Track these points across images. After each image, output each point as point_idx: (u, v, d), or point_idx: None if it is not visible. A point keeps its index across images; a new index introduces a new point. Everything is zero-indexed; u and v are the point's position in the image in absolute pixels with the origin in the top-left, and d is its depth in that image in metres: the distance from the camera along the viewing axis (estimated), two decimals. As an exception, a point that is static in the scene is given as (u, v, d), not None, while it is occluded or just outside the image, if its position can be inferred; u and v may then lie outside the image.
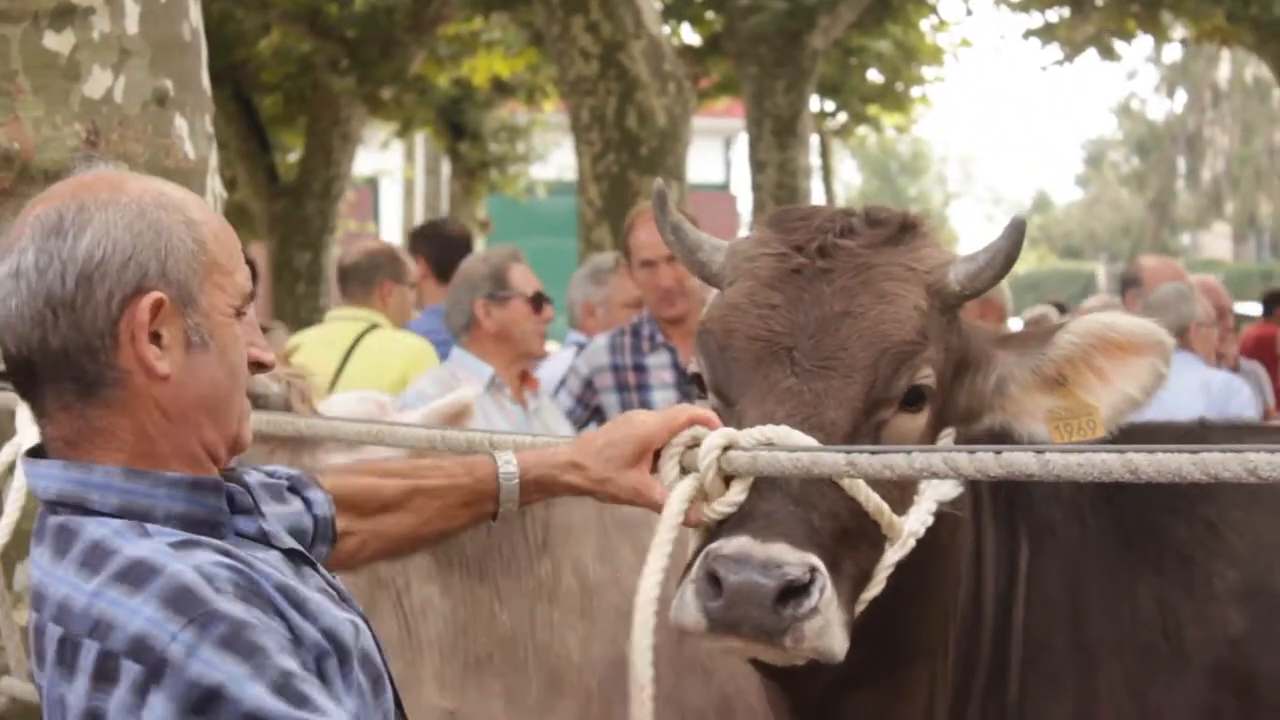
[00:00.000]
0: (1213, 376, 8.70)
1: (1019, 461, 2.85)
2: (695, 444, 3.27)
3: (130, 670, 2.57)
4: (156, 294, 2.74)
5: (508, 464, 3.41)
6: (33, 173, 5.08)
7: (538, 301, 7.34)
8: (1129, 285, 9.84)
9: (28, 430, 4.42)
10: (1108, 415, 3.48)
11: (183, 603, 2.61)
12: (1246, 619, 3.66)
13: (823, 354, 3.36)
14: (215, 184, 5.61)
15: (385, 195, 40.46)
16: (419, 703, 4.58)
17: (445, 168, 32.58)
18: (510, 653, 4.45)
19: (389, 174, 36.66)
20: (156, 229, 2.77)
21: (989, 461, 2.89)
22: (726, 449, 3.20)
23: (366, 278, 9.01)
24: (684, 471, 3.27)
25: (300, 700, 2.58)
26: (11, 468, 4.44)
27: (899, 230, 3.53)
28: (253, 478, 3.11)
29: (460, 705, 4.48)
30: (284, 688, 2.58)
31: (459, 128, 28.80)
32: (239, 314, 2.87)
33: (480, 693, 4.47)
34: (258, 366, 2.92)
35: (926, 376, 3.41)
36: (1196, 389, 8.29)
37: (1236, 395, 8.48)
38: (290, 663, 2.62)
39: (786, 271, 3.47)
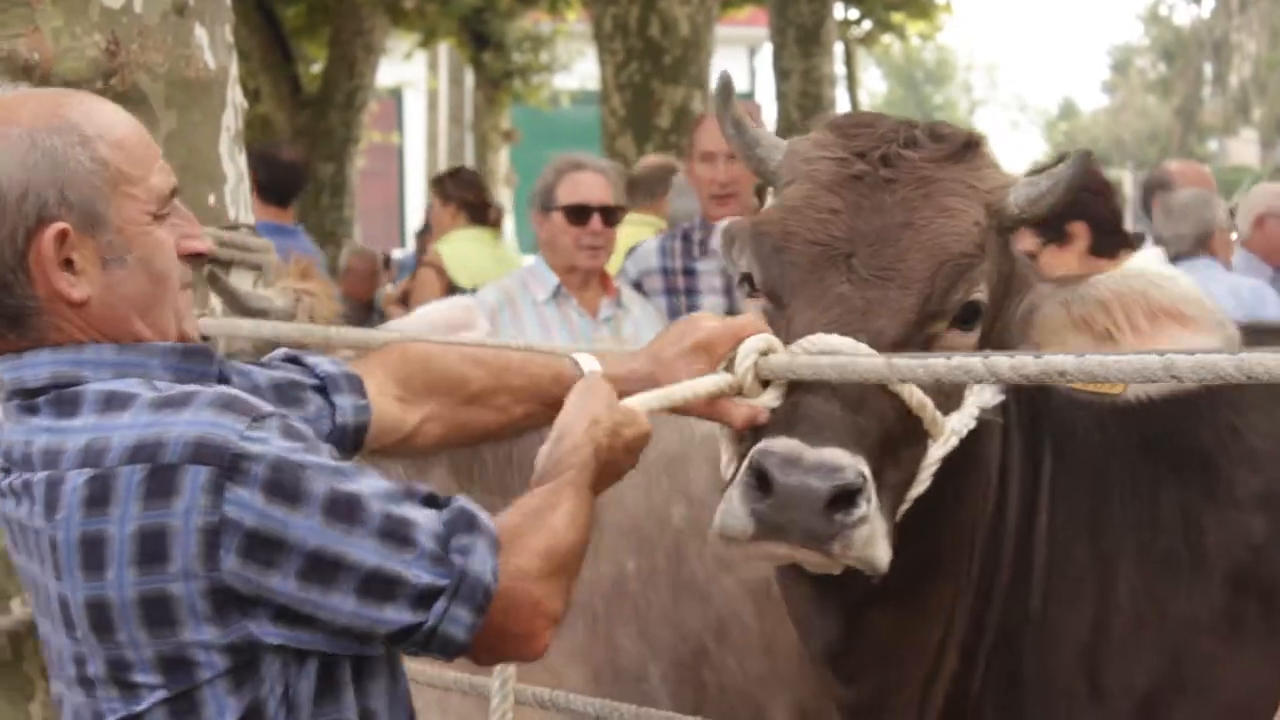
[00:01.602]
0: (1242, 283, 8.64)
1: (1057, 363, 2.84)
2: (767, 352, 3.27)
3: (198, 474, 2.62)
4: (58, 225, 2.75)
5: (592, 373, 3.37)
6: (53, 83, 5.06)
7: (579, 214, 7.30)
8: (1156, 189, 9.76)
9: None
10: None
11: (238, 405, 2.69)
12: (1269, 525, 3.64)
13: (881, 263, 3.33)
14: (236, 94, 5.59)
15: (409, 106, 40.33)
16: None
17: (469, 78, 32.51)
18: None
19: (413, 85, 36.55)
20: (51, 157, 2.76)
21: (1028, 363, 2.88)
22: (765, 353, 3.21)
23: (651, 188, 9.84)
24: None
25: (357, 472, 2.74)
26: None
27: (962, 148, 3.49)
28: (262, 376, 3.12)
29: None
30: (339, 467, 2.72)
31: (482, 38, 28.71)
32: (158, 217, 2.85)
33: None
34: (195, 257, 2.93)
35: (981, 291, 3.39)
36: (1226, 296, 8.24)
37: (1266, 302, 8.42)
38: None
39: (847, 177, 3.44)
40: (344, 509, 2.67)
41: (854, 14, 28.54)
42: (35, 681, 5.15)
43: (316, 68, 24.35)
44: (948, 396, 3.34)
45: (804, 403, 3.20)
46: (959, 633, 3.63)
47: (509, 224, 30.98)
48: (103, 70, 5.10)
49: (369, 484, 2.73)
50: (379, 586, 2.69)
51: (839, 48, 25.96)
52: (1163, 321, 3.42)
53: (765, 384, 3.25)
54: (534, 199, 7.42)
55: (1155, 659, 3.62)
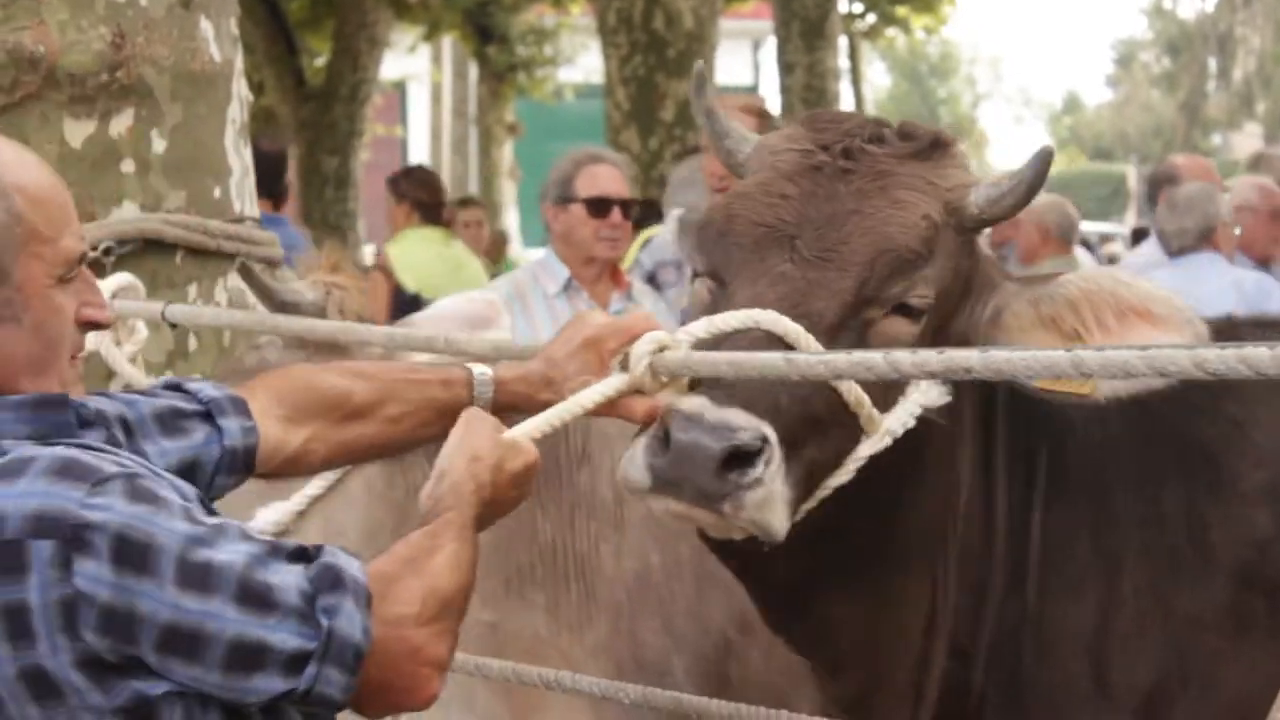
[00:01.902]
0: (1245, 276, 8.65)
1: (960, 358, 2.83)
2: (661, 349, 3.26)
3: (41, 549, 2.54)
4: None
5: (482, 377, 3.37)
6: (58, 77, 5.07)
7: (599, 206, 7.31)
8: (1163, 184, 9.72)
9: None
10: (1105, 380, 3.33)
11: (76, 471, 2.60)
12: (1274, 520, 3.63)
13: (824, 245, 3.33)
14: (241, 87, 5.59)
15: (413, 99, 40.33)
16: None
17: (473, 71, 32.51)
18: (551, 564, 4.44)
19: (416, 78, 36.51)
20: None
21: (930, 359, 2.87)
22: (660, 350, 3.20)
23: None
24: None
25: (215, 528, 2.62)
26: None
27: (928, 146, 3.49)
28: (146, 405, 3.06)
29: (502, 618, 4.47)
30: (192, 518, 2.61)
31: (486, 31, 28.73)
32: (63, 280, 2.79)
33: (522, 605, 4.45)
34: (92, 326, 2.87)
35: (922, 296, 3.37)
36: (1229, 289, 8.24)
37: (1270, 295, 8.42)
38: (187, 504, 2.65)
39: (807, 167, 3.45)
40: (198, 576, 2.57)
41: (858, 7, 28.56)
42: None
43: (320, 61, 24.35)
44: (887, 389, 3.32)
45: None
46: (945, 629, 3.62)
47: (513, 217, 31.10)
48: (108, 63, 5.11)
49: (227, 547, 2.61)
50: (244, 656, 2.59)
51: (843, 41, 25.96)
52: (1131, 320, 3.40)
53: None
54: (548, 191, 7.41)
55: (1160, 655, 3.62)
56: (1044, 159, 3.44)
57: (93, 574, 2.53)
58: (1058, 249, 9.87)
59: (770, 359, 3.06)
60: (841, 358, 2.99)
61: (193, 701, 2.65)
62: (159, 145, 5.24)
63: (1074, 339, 3.40)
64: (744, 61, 42.88)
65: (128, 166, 5.24)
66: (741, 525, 3.14)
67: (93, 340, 4.25)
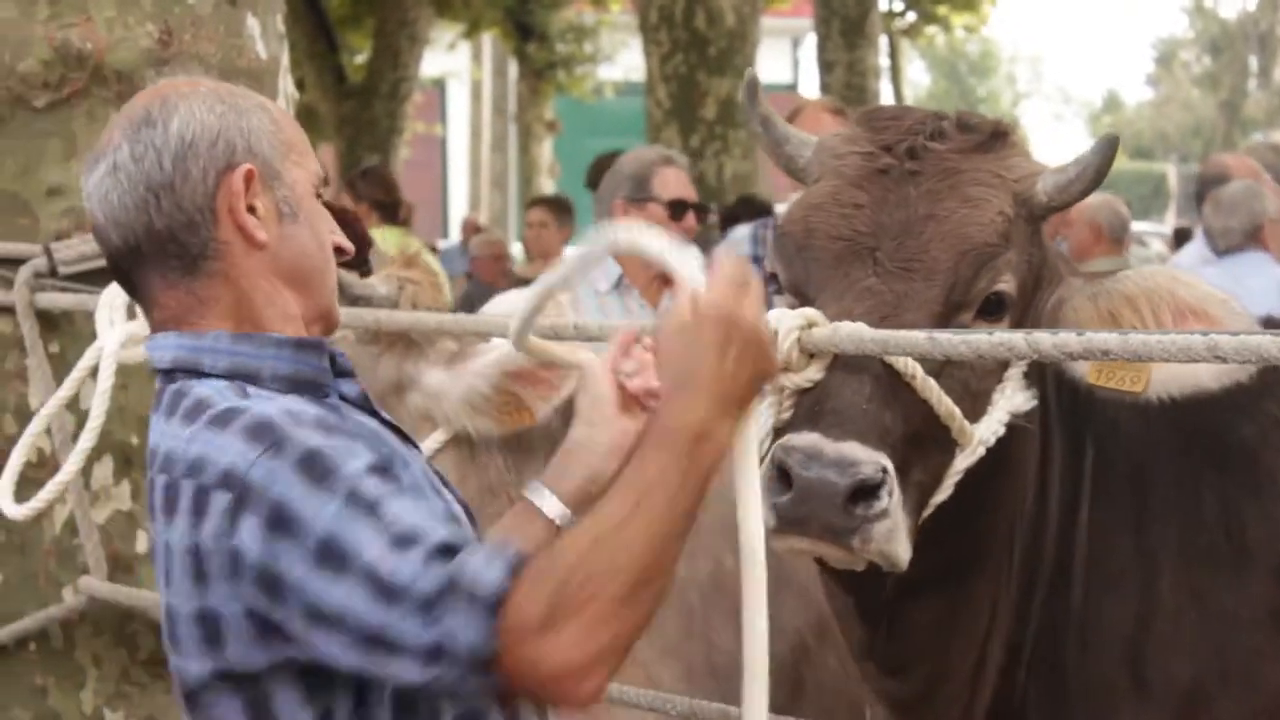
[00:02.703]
0: (1292, 275, 8.60)
1: (1100, 340, 2.82)
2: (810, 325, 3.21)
3: (220, 500, 2.68)
4: (246, 165, 2.88)
5: (553, 507, 3.11)
6: (105, 73, 5.09)
7: (678, 209, 7.28)
8: (1212, 184, 9.65)
9: (109, 334, 4.44)
10: (1159, 377, 3.34)
11: (262, 433, 2.70)
12: (1314, 518, 3.62)
13: (905, 255, 3.32)
14: (287, 84, 5.61)
15: (453, 97, 40.41)
16: None
17: (512, 69, 32.57)
18: None
19: (456, 75, 36.63)
20: (237, 110, 2.92)
21: (1070, 340, 2.86)
22: (809, 326, 3.18)
23: None
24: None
25: (371, 506, 2.63)
26: (94, 372, 4.47)
27: (990, 137, 3.48)
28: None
29: None
30: (355, 498, 2.64)
31: (526, 28, 28.78)
32: (317, 194, 3.00)
33: None
34: (337, 252, 3.02)
35: (1006, 281, 3.37)
36: (1273, 288, 8.19)
37: (1317, 294, 8.36)
38: (361, 468, 2.67)
39: (873, 171, 3.43)
40: (336, 558, 2.61)
41: (898, 5, 28.56)
42: (86, 670, 5.18)
43: (361, 58, 24.44)
44: (976, 398, 3.34)
45: (829, 397, 3.20)
46: (1003, 626, 3.62)
47: (552, 214, 31.05)
48: (155, 60, 5.13)
49: (371, 535, 2.62)
50: (376, 644, 2.61)
51: (883, 40, 25.93)
52: (1188, 321, 3.39)
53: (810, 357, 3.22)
54: (616, 188, 7.36)
55: (1198, 653, 3.60)
56: (1109, 144, 3.44)
57: (250, 533, 2.65)
58: (1110, 248, 9.81)
59: (913, 336, 3.07)
60: (982, 337, 2.99)
61: (335, 681, 2.73)
62: (207, 142, 5.24)
63: None
64: (784, 60, 42.84)
65: (174, 163, 5.25)
66: (869, 557, 3.15)
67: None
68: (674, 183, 7.36)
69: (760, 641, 3.02)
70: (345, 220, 3.34)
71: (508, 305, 4.90)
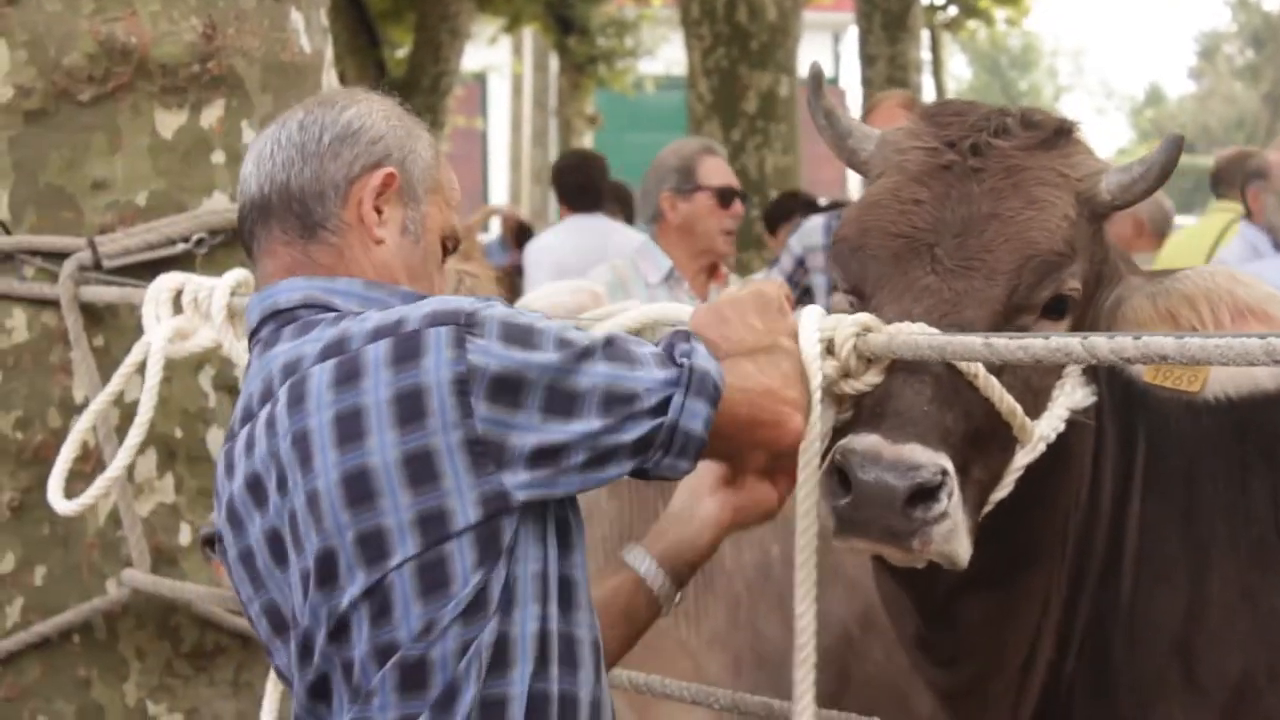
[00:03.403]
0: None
1: (1156, 344, 2.81)
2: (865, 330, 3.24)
3: (438, 334, 2.81)
4: (391, 169, 3.09)
5: (651, 573, 3.31)
6: (150, 67, 5.10)
7: (726, 196, 7.29)
8: (1254, 179, 9.61)
9: (156, 329, 4.45)
10: (1217, 377, 3.37)
11: (465, 300, 2.87)
12: (1362, 514, 3.61)
13: (966, 254, 3.31)
14: (331, 78, 5.62)
15: (493, 91, 40.42)
16: None
17: (553, 63, 32.55)
18: None
19: (497, 69, 36.62)
20: (408, 130, 3.16)
21: (1126, 345, 2.85)
22: (865, 331, 3.18)
23: (1231, 178, 9.92)
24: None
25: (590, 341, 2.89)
26: (141, 367, 4.49)
27: (1054, 134, 3.46)
28: None
29: None
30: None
31: (567, 22, 28.77)
32: (444, 242, 3.17)
33: None
34: None
35: (1074, 289, 3.37)
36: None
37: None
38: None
39: (936, 167, 3.41)
40: (571, 344, 2.84)
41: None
42: (130, 662, 5.20)
43: (402, 52, 24.46)
44: (1036, 395, 3.33)
45: (890, 398, 3.20)
46: (1054, 619, 3.61)
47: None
48: (199, 54, 5.14)
49: (587, 332, 2.92)
50: (618, 401, 2.84)
51: (925, 33, 25.87)
52: (1248, 320, 3.39)
53: (868, 362, 3.22)
54: (663, 179, 7.39)
55: (1248, 648, 3.59)
56: (1175, 144, 3.42)
57: (485, 348, 2.79)
58: (1152, 242, 9.79)
59: (971, 341, 3.08)
60: (1039, 343, 2.99)
61: (537, 520, 2.89)
62: (249, 136, 5.26)
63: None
64: (825, 53, 42.77)
65: (218, 157, 5.27)
66: (929, 557, 3.16)
67: (211, 336, 4.30)
68: (718, 171, 7.39)
69: (809, 636, 3.18)
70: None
71: (547, 295, 4.92)
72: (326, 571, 2.84)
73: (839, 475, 3.12)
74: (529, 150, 33.88)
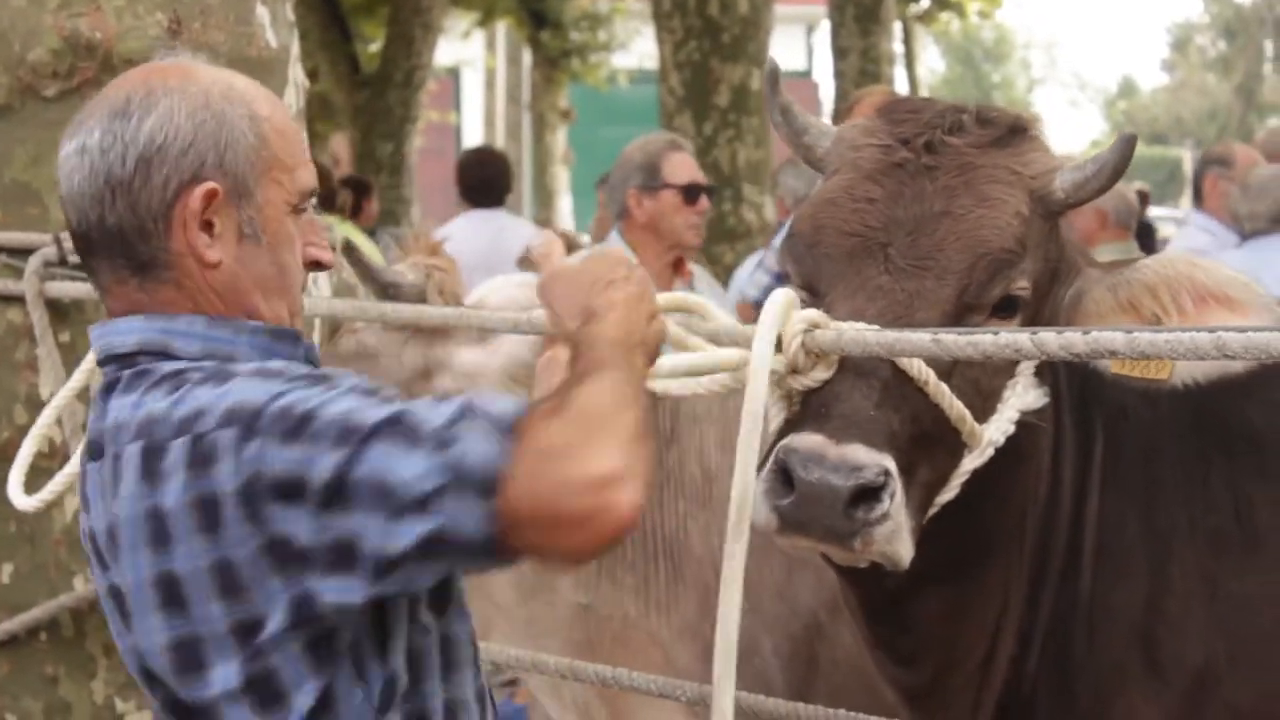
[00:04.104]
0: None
1: (1105, 339, 2.82)
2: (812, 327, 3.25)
3: (228, 437, 2.63)
4: (210, 184, 2.80)
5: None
6: (114, 62, 5.08)
7: (692, 193, 7.28)
8: (1213, 165, 9.69)
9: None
10: (1183, 364, 3.34)
11: (273, 376, 2.70)
12: (1321, 502, 3.62)
13: (918, 253, 3.31)
14: (297, 73, 5.60)
15: (467, 85, 40.40)
16: (555, 598, 4.59)
17: (527, 57, 32.55)
18: (641, 544, 4.45)
19: (470, 64, 36.59)
20: (219, 120, 2.83)
21: (1075, 340, 2.86)
22: (812, 328, 3.18)
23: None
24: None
25: (385, 400, 2.64)
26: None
27: (1008, 132, 3.47)
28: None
29: (594, 599, 4.48)
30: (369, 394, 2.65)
31: (540, 16, 28.78)
32: (296, 210, 2.90)
33: (613, 586, 4.47)
34: (315, 266, 2.97)
35: (1022, 288, 3.37)
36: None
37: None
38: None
39: (889, 165, 3.42)
40: (351, 431, 2.58)
41: (912, -8, 28.47)
42: (97, 659, 5.18)
43: (374, 47, 24.41)
44: (986, 397, 3.34)
45: (837, 399, 3.21)
46: (1014, 615, 3.62)
47: (565, 202, 31.10)
48: (164, 49, 5.10)
49: (370, 403, 2.63)
50: (385, 497, 2.55)
51: (898, 26, 25.89)
52: (1210, 305, 3.40)
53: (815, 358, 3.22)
54: (628, 177, 7.35)
55: (1208, 636, 3.60)
56: (1128, 144, 3.44)
57: (261, 452, 2.60)
58: (1116, 235, 9.82)
59: (918, 338, 3.09)
60: (988, 338, 3.01)
61: (354, 614, 2.67)
62: (215, 130, 5.23)
63: (1153, 324, 3.38)
64: (798, 47, 42.79)
65: (184, 152, 5.24)
66: (871, 557, 3.17)
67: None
68: (684, 167, 7.35)
69: (732, 623, 3.15)
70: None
71: (497, 289, 4.92)
72: (154, 668, 2.77)
73: (781, 474, 3.12)
74: (503, 144, 33.85)
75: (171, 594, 2.70)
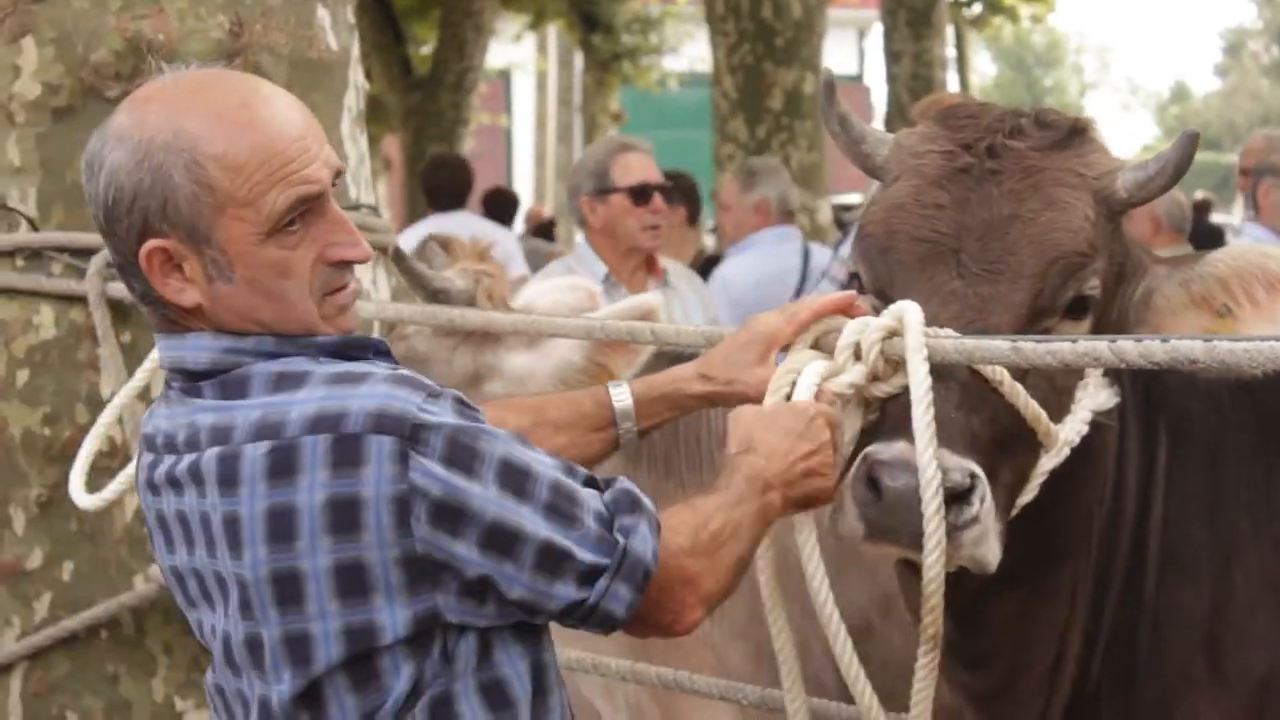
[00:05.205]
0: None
1: (1185, 348, 2.81)
2: (828, 333, 3.32)
3: (380, 444, 2.67)
4: (154, 242, 2.79)
5: (618, 388, 3.51)
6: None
7: (642, 194, 7.18)
8: (1266, 175, 9.62)
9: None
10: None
11: (414, 383, 2.75)
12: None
13: (990, 258, 3.31)
14: (357, 75, 5.61)
15: (518, 88, 40.45)
16: None
17: (578, 60, 32.56)
18: None
19: (522, 66, 36.64)
20: (155, 174, 2.77)
21: (1155, 348, 2.85)
22: (890, 336, 3.20)
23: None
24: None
25: (527, 447, 2.81)
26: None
27: (1069, 134, 3.47)
28: None
29: None
30: (514, 439, 2.79)
31: (592, 19, 28.78)
32: (271, 235, 2.80)
33: None
34: (343, 263, 2.90)
35: (1094, 288, 3.37)
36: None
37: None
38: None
39: (953, 170, 3.42)
40: (517, 480, 2.74)
41: (965, -4, 28.42)
42: (157, 658, 5.20)
43: (427, 49, 24.48)
44: (1060, 395, 3.34)
45: None
46: (1081, 616, 3.61)
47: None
48: (226, 51, 5.13)
49: (537, 457, 2.80)
50: (550, 561, 2.76)
51: (950, 30, 25.84)
52: None
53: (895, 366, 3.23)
54: (581, 184, 7.27)
55: (1274, 641, 3.59)
56: (1190, 141, 3.43)
57: (428, 470, 2.69)
58: (1170, 239, 9.79)
59: (996, 346, 3.10)
60: (1066, 347, 3.02)
61: (468, 634, 2.81)
62: (276, 133, 5.24)
63: (1225, 315, 3.40)
64: (850, 51, 42.75)
65: (245, 154, 5.25)
66: (960, 562, 3.18)
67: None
68: (635, 167, 7.21)
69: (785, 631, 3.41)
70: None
71: (548, 293, 4.92)
72: (255, 655, 2.81)
73: (868, 481, 3.12)
74: (554, 147, 33.91)
75: (289, 591, 2.74)
